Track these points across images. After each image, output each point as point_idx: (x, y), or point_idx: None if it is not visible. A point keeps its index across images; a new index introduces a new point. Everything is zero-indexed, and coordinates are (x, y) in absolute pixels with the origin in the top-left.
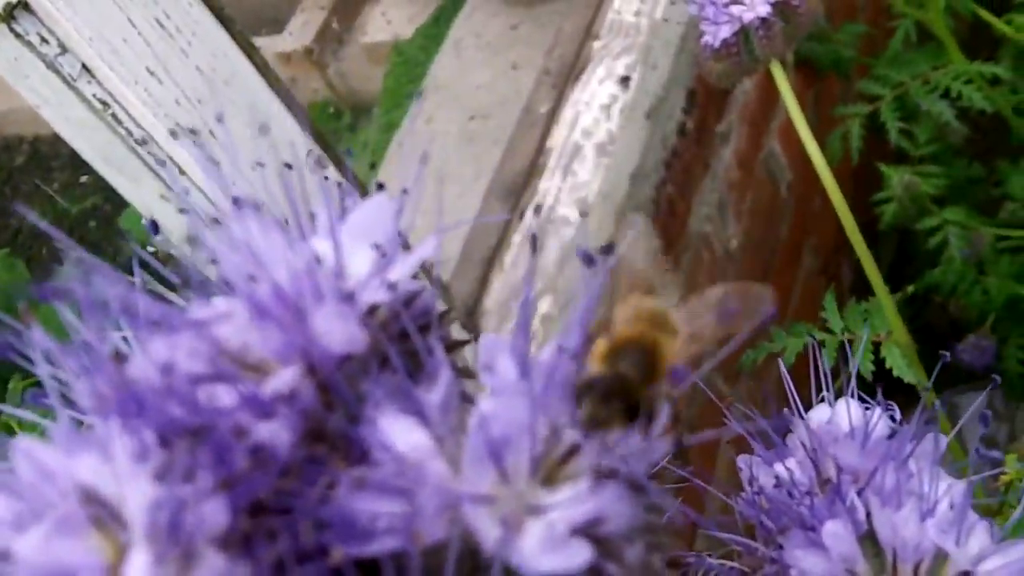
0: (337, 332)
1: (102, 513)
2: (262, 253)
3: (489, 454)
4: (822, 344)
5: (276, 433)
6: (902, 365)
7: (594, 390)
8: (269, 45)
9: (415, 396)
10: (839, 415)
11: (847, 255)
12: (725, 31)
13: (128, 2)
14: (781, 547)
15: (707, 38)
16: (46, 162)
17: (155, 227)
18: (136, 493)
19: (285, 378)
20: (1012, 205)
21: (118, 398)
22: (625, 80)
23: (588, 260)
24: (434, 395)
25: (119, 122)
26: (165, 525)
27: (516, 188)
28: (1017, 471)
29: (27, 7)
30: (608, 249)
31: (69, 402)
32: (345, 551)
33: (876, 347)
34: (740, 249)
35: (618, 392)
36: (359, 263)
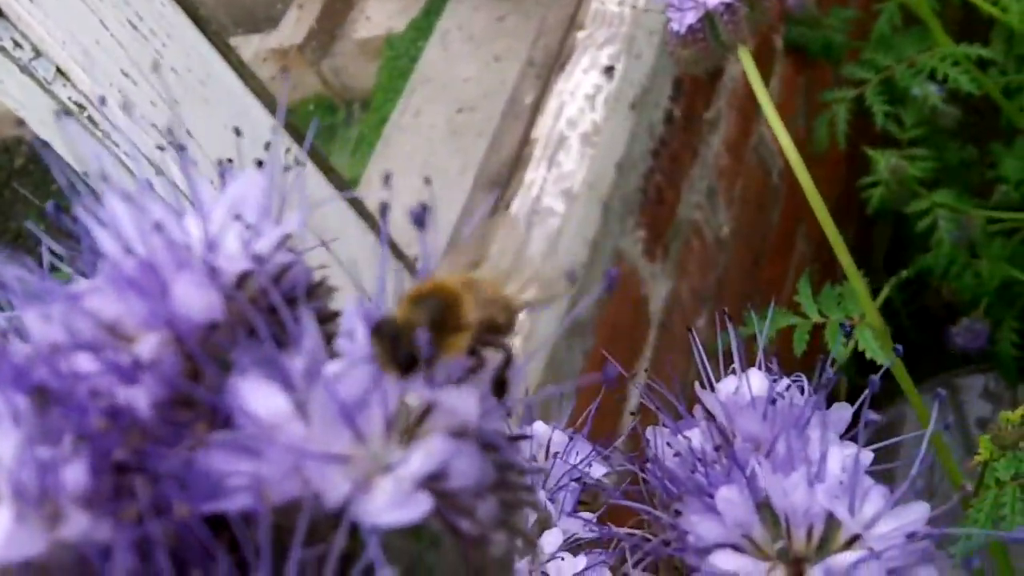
0: (196, 300)
1: None
2: (132, 228)
3: (339, 414)
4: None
5: (134, 397)
6: (875, 348)
7: (380, 332)
8: (263, 41)
9: (280, 363)
10: (745, 386)
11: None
12: (690, 17)
13: (100, 4)
14: (679, 514)
15: (673, 25)
16: (45, 164)
17: (57, 209)
18: (3, 453)
19: (147, 346)
20: (1005, 187)
21: None
22: (609, 70)
23: (419, 221)
24: (298, 362)
25: (95, 124)
26: (30, 485)
27: (502, 179)
28: (989, 450)
29: None
30: (422, 209)
31: None
32: (194, 507)
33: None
34: (731, 236)
35: (401, 336)
36: (230, 237)
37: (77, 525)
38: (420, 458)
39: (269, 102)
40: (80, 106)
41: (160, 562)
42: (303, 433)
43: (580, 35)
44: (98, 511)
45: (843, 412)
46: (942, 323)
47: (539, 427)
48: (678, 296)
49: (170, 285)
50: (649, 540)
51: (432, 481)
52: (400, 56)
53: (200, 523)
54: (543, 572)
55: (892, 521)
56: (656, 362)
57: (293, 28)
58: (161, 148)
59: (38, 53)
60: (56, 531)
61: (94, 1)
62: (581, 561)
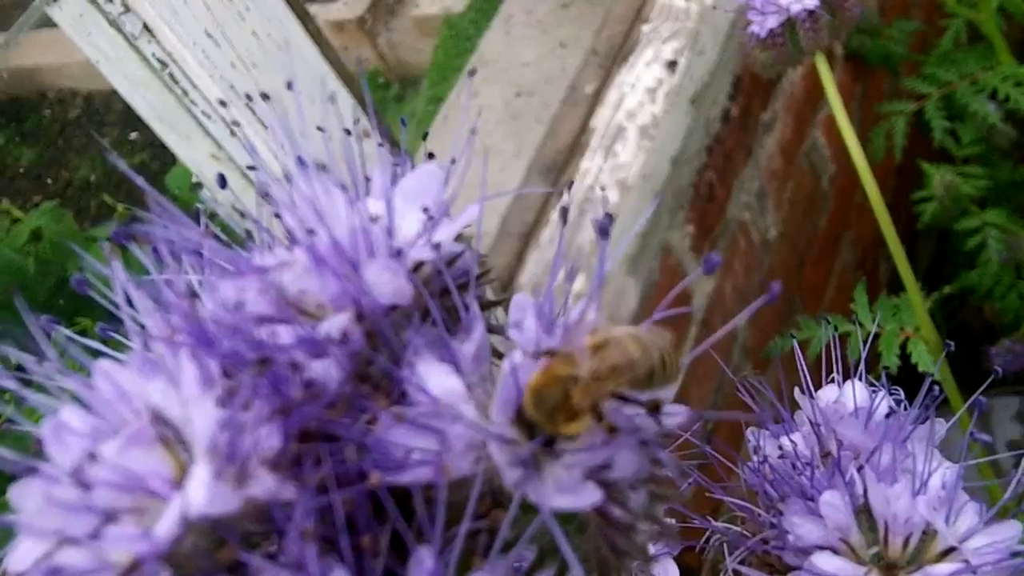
0: (386, 284)
1: (168, 434)
2: (324, 209)
3: (516, 401)
4: (847, 336)
5: (327, 370)
6: (927, 361)
7: (520, 422)
8: (322, 13)
9: (451, 346)
10: (846, 395)
11: (886, 251)
12: (772, 21)
13: None
14: (781, 513)
15: (754, 27)
16: (98, 117)
17: (223, 181)
18: (200, 415)
19: (338, 322)
20: None
21: (189, 331)
22: (672, 64)
23: (603, 232)
24: (468, 347)
25: (175, 81)
26: (225, 445)
27: (557, 166)
28: None
29: None
30: (608, 219)
31: (141, 335)
32: (381, 477)
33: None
34: (778, 238)
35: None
36: (408, 224)
37: (265, 486)
38: (589, 448)
39: (342, 72)
40: (162, 63)
41: (339, 524)
42: (475, 414)
43: (645, 28)
44: (283, 474)
45: (939, 427)
46: (979, 342)
47: None
48: (721, 294)
49: (362, 267)
50: (747, 536)
51: (595, 471)
52: (458, 36)
53: (386, 491)
54: None
55: (986, 536)
56: (694, 360)
57: (354, 1)
58: (249, 99)
59: (127, 8)
60: (245, 490)
61: None
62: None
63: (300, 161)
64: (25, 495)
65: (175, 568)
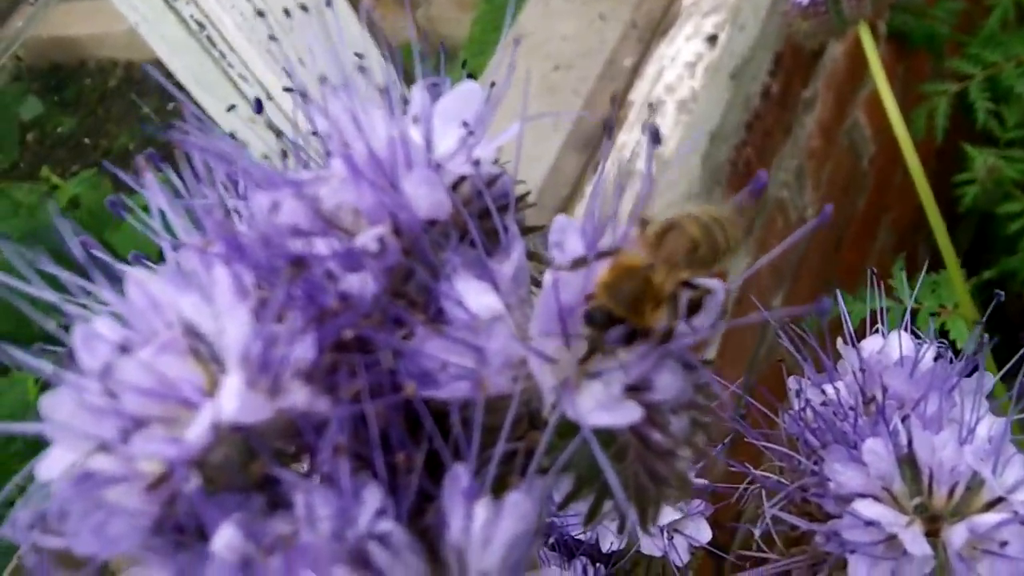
0: (424, 197)
1: (200, 347)
2: (361, 121)
3: (557, 318)
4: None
5: (363, 283)
6: (967, 338)
7: (592, 321)
8: None
9: (490, 266)
10: (891, 345)
11: (924, 234)
12: None
13: None
14: (821, 461)
15: None
16: (137, 86)
17: (259, 105)
18: (234, 325)
19: (375, 234)
20: None
21: (224, 242)
22: (712, 39)
23: (655, 137)
24: (507, 267)
25: (213, 44)
26: (258, 355)
27: (594, 140)
28: None
29: None
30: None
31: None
32: (416, 390)
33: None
34: (815, 218)
35: (612, 322)
36: (448, 139)
37: (298, 397)
38: (629, 365)
39: (382, 43)
40: (200, 24)
41: (373, 438)
42: (513, 332)
43: (686, 2)
44: (316, 387)
45: (986, 380)
46: (1017, 328)
47: None
48: (756, 272)
49: (400, 180)
50: (785, 484)
51: (636, 392)
52: (497, 10)
53: (422, 404)
54: None
55: None
56: (727, 335)
57: None
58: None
59: None
60: (278, 401)
61: None
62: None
63: (338, 77)
64: (56, 403)
65: (206, 481)
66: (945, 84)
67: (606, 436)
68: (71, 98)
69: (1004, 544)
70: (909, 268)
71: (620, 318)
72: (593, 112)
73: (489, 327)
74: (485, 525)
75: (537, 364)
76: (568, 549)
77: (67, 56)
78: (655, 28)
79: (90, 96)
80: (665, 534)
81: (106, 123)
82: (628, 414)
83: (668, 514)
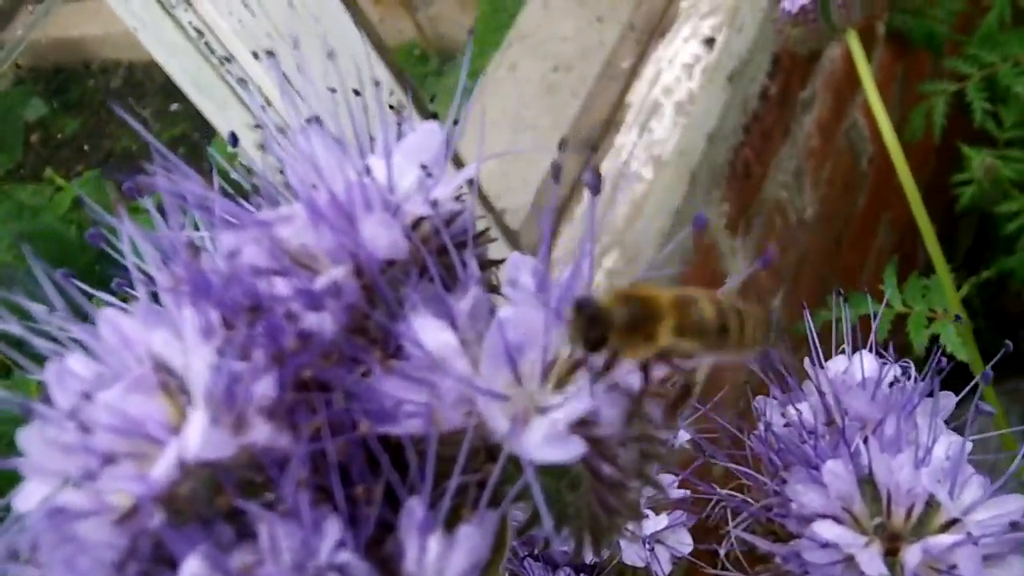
0: (382, 238)
1: (170, 381)
2: (322, 164)
3: (505, 356)
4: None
5: (323, 321)
6: (956, 343)
7: (580, 308)
8: None
9: (447, 303)
10: (855, 366)
11: None
12: None
13: None
14: (785, 482)
15: (785, 3)
16: (139, 88)
17: (234, 139)
18: (199, 362)
19: (334, 275)
20: None
21: (190, 280)
22: (710, 41)
23: (596, 189)
24: (464, 303)
25: (211, 51)
26: (222, 392)
27: (592, 141)
28: None
29: None
30: (596, 175)
31: (149, 286)
32: (372, 426)
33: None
34: (814, 218)
35: (601, 322)
36: (407, 181)
37: (261, 433)
38: (574, 402)
39: (377, 43)
40: (199, 32)
41: (332, 474)
42: (468, 368)
43: (684, 3)
44: (279, 423)
45: (947, 400)
46: (1017, 328)
47: None
48: (755, 273)
49: (359, 222)
50: (750, 504)
51: (582, 426)
52: (498, 11)
53: (376, 439)
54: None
55: (990, 510)
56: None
57: None
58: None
59: None
60: (242, 438)
61: None
62: (663, 520)
63: (304, 119)
64: (31, 438)
65: (175, 513)
66: (943, 84)
67: (559, 468)
68: (75, 100)
69: (953, 567)
70: (909, 267)
71: (606, 326)
72: (591, 114)
73: (443, 364)
74: (438, 558)
75: (483, 401)
76: (552, 561)
77: (71, 58)
78: (653, 29)
79: (93, 98)
80: (647, 545)
81: (109, 124)
82: (571, 449)
83: (651, 523)
